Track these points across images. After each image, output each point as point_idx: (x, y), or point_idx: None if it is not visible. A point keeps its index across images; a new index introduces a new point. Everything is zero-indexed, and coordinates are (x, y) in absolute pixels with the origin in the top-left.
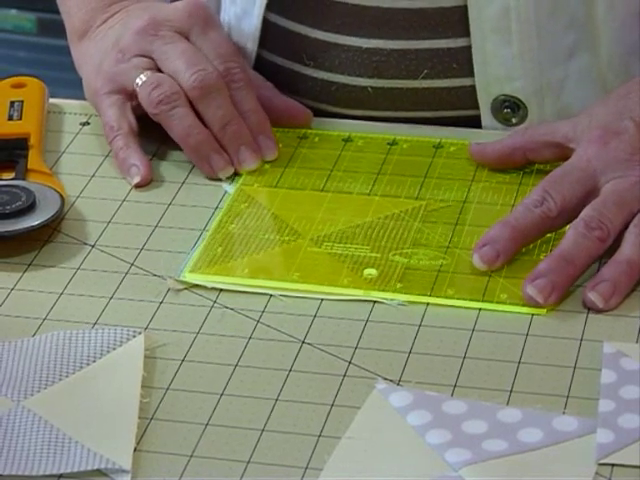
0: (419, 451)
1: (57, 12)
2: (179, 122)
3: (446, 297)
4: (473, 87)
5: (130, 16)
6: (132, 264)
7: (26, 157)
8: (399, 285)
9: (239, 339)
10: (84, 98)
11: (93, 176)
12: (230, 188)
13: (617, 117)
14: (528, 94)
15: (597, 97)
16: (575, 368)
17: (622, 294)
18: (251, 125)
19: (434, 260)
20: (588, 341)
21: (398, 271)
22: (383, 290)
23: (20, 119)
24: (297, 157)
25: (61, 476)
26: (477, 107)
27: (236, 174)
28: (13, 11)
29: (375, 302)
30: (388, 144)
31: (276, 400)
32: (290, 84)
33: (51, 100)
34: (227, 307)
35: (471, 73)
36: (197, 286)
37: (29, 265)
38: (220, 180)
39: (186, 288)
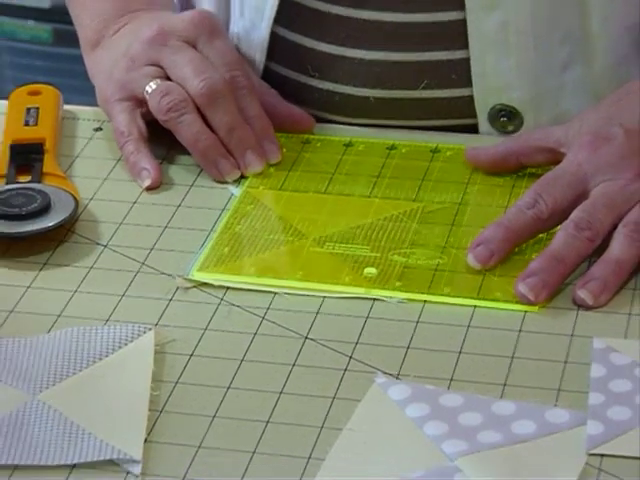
0: (417, 442)
1: (72, 23)
2: (188, 128)
3: (443, 295)
4: (471, 97)
5: (140, 26)
6: (143, 263)
7: (41, 161)
8: (398, 283)
9: (245, 335)
10: (97, 105)
11: (105, 179)
12: (236, 190)
13: (607, 123)
14: (524, 103)
15: (590, 106)
16: (566, 363)
17: (611, 292)
18: (256, 130)
19: (431, 259)
20: (578, 337)
21: (397, 270)
22: (383, 288)
23: (36, 125)
24: (300, 161)
25: (74, 466)
26: (475, 116)
27: (242, 177)
28: (30, 22)
29: (375, 300)
30: (387, 149)
31: (280, 393)
32: (296, 94)
33: (65, 107)
34: (233, 304)
35: (469, 84)
36: (205, 284)
37: (44, 264)
38: (227, 183)
39: (194, 286)
